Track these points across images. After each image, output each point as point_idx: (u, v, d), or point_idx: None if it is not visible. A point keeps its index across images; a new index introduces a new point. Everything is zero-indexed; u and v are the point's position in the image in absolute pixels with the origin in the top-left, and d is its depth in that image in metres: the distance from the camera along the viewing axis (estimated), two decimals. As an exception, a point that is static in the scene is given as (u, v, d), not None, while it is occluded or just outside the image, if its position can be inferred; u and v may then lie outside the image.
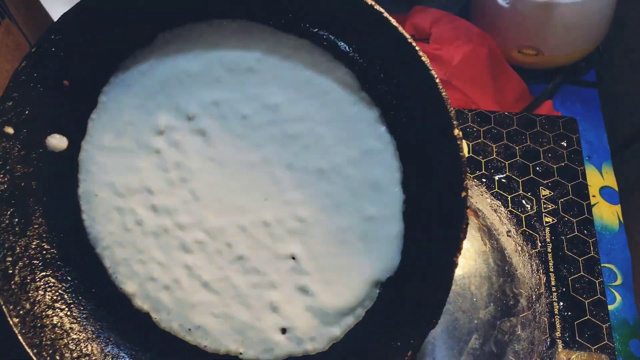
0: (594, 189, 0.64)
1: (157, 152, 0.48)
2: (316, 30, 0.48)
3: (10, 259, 0.44)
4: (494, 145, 0.63)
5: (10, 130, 0.45)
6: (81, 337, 0.46)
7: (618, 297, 0.58)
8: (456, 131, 0.39)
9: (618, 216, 0.63)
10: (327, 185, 0.46)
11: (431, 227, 0.42)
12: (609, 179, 0.65)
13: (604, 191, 0.64)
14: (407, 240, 0.44)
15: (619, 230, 0.62)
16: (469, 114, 0.66)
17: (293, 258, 0.46)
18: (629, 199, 0.72)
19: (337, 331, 0.45)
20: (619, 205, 0.64)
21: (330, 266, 0.45)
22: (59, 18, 0.45)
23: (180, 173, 0.48)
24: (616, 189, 0.65)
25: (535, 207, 0.59)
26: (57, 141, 0.47)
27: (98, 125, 0.49)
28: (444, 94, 0.41)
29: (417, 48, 0.41)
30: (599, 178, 0.65)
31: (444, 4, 0.76)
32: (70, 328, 0.46)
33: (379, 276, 0.44)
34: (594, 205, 0.63)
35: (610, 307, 0.56)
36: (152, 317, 0.47)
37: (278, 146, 0.47)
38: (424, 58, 0.41)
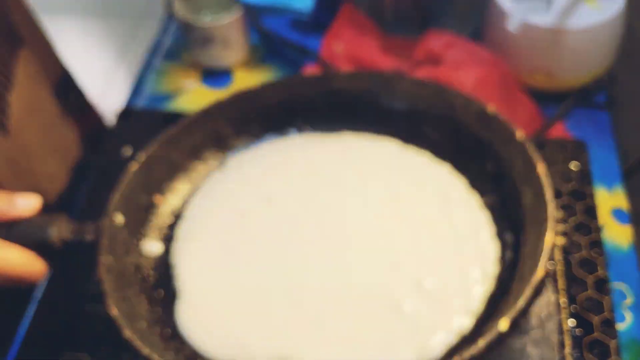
0: (604, 209, 0.65)
1: (243, 230, 0.55)
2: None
3: None
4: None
5: (120, 218, 0.51)
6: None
7: (628, 317, 0.58)
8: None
9: (628, 237, 0.63)
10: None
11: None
12: (620, 200, 0.66)
13: (615, 212, 0.65)
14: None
15: (629, 251, 0.63)
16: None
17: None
18: (640, 220, 0.73)
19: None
20: (630, 225, 0.64)
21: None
22: (161, 140, 0.56)
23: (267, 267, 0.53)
24: (627, 210, 0.66)
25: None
26: (152, 244, 0.55)
27: (186, 228, 0.56)
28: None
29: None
30: (609, 199, 0.66)
31: (456, 28, 0.78)
32: None
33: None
34: (604, 226, 0.64)
35: (620, 327, 0.57)
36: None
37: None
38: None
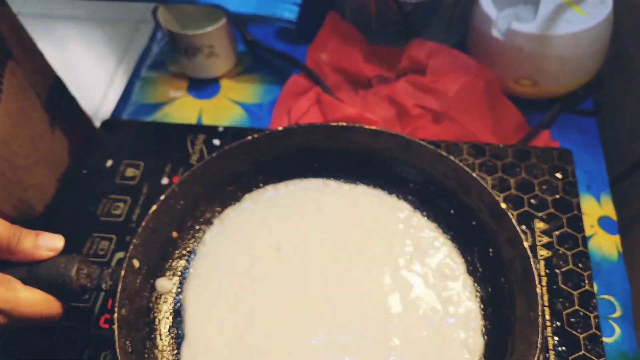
0: (592, 219, 0.64)
1: (253, 280, 0.56)
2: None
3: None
4: (489, 178, 0.64)
5: (136, 263, 0.52)
6: None
7: (617, 330, 0.57)
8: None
9: (617, 247, 0.62)
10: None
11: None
12: (608, 209, 0.65)
13: (603, 221, 0.64)
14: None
15: (617, 261, 0.61)
16: (464, 146, 0.66)
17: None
18: (628, 230, 0.71)
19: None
20: (618, 235, 0.63)
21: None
22: (181, 180, 0.56)
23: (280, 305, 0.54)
24: (615, 219, 0.65)
25: (530, 240, 0.59)
26: (165, 283, 0.56)
27: (198, 270, 0.57)
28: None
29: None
30: (597, 208, 0.65)
31: (442, 38, 0.77)
32: None
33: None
34: (592, 235, 0.63)
35: (608, 340, 0.56)
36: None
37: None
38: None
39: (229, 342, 0.52)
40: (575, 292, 0.56)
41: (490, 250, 0.55)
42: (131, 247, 0.51)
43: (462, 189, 0.56)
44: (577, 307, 0.55)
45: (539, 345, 0.45)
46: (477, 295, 0.54)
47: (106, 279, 0.49)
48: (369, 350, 0.51)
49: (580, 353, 0.53)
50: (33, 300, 0.46)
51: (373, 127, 0.58)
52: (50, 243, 0.48)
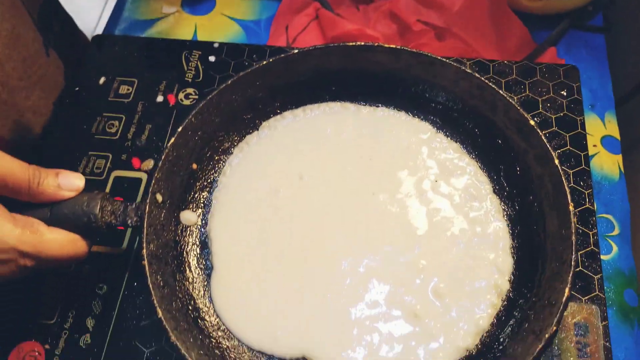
0: (595, 138, 0.63)
1: (277, 209, 0.55)
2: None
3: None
4: (492, 96, 0.62)
5: (160, 198, 0.51)
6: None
7: (615, 248, 0.57)
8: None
9: (619, 166, 0.62)
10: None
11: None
12: (612, 129, 0.64)
13: (606, 140, 0.63)
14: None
15: (618, 181, 0.61)
16: (468, 63, 0.64)
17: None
18: (632, 150, 0.71)
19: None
20: (621, 155, 0.63)
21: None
22: (197, 110, 0.54)
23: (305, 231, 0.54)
24: (618, 138, 0.64)
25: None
26: (189, 216, 0.55)
27: (221, 201, 0.56)
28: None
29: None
30: (601, 127, 0.64)
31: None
32: None
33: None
34: (595, 155, 0.62)
35: (606, 257, 0.56)
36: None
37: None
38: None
39: (257, 271, 0.52)
40: (575, 210, 0.56)
41: (518, 168, 0.54)
42: (153, 181, 0.50)
43: (488, 107, 0.55)
44: (577, 224, 0.55)
45: (573, 263, 0.44)
46: (504, 215, 0.53)
47: (131, 214, 0.49)
48: (397, 273, 0.51)
49: (578, 269, 0.53)
50: (59, 241, 0.45)
51: (393, 46, 0.56)
52: (71, 183, 0.46)
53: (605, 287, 0.55)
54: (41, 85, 0.63)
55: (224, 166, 0.58)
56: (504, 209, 0.54)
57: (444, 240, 0.52)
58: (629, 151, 0.66)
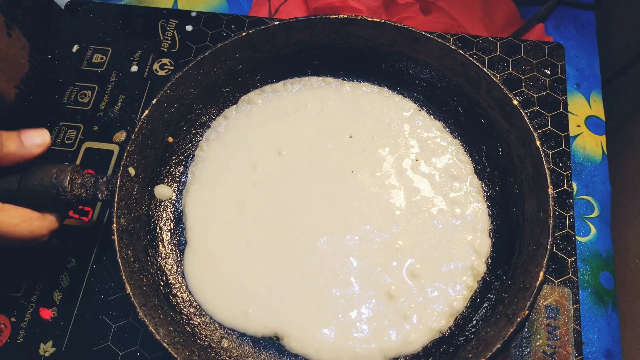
0: (579, 118, 0.62)
1: (254, 184, 0.54)
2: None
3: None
4: (475, 73, 0.61)
5: (132, 171, 0.50)
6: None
7: (593, 230, 0.57)
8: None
9: (602, 147, 0.61)
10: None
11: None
12: (597, 109, 0.63)
13: (590, 121, 0.62)
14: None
15: (601, 162, 0.60)
16: (451, 38, 0.63)
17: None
18: (616, 130, 0.70)
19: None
20: (604, 136, 0.62)
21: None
22: (173, 82, 0.52)
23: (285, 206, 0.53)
24: (603, 119, 0.62)
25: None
26: (164, 190, 0.54)
27: (197, 176, 0.55)
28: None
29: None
30: (586, 107, 0.63)
31: None
32: None
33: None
34: (578, 135, 0.61)
35: (583, 239, 0.56)
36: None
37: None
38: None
39: (232, 246, 0.51)
40: (554, 193, 0.55)
41: (500, 149, 0.53)
42: (125, 154, 0.48)
43: (471, 85, 0.53)
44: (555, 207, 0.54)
45: (549, 247, 0.44)
46: (484, 196, 0.53)
47: (102, 188, 0.47)
48: (373, 253, 0.50)
49: (552, 251, 0.52)
50: (13, 221, 0.43)
51: (376, 19, 0.54)
52: (35, 139, 0.45)
53: (581, 269, 0.54)
54: (5, 70, 0.60)
55: (201, 140, 0.57)
56: (484, 190, 0.53)
57: (422, 220, 0.51)
58: (613, 132, 0.65)
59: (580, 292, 0.53)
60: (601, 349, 0.52)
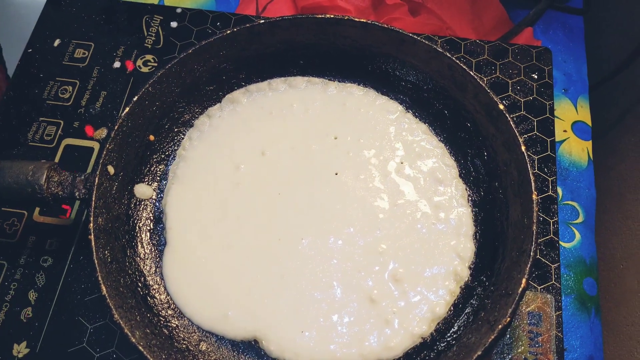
0: (566, 123, 0.62)
1: (237, 185, 0.53)
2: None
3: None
4: (461, 76, 0.60)
5: (111, 170, 0.49)
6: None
7: (577, 235, 0.56)
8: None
9: (588, 153, 0.61)
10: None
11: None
12: (583, 114, 0.63)
13: (577, 126, 0.62)
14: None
15: (587, 168, 0.60)
16: (439, 41, 0.62)
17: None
18: (603, 136, 0.69)
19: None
20: (590, 141, 0.61)
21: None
22: (155, 79, 0.51)
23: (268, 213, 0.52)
24: (590, 124, 0.62)
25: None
26: (144, 189, 0.53)
27: (179, 175, 0.54)
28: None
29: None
30: (572, 112, 0.63)
31: None
32: None
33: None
34: (564, 140, 0.61)
35: (567, 245, 0.56)
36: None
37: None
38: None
39: (213, 247, 0.50)
40: (538, 199, 0.54)
41: (485, 153, 0.52)
42: (104, 152, 0.47)
43: (458, 88, 0.53)
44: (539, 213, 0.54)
45: (532, 254, 0.43)
46: (469, 201, 0.52)
47: (79, 186, 0.46)
48: (356, 256, 0.49)
49: (537, 257, 0.52)
50: None
51: (363, 20, 0.53)
52: None
53: (564, 275, 0.54)
54: None
55: (183, 139, 0.56)
56: (469, 195, 0.52)
57: (406, 224, 0.51)
58: (599, 137, 0.65)
59: (563, 298, 0.53)
60: (583, 356, 0.52)
